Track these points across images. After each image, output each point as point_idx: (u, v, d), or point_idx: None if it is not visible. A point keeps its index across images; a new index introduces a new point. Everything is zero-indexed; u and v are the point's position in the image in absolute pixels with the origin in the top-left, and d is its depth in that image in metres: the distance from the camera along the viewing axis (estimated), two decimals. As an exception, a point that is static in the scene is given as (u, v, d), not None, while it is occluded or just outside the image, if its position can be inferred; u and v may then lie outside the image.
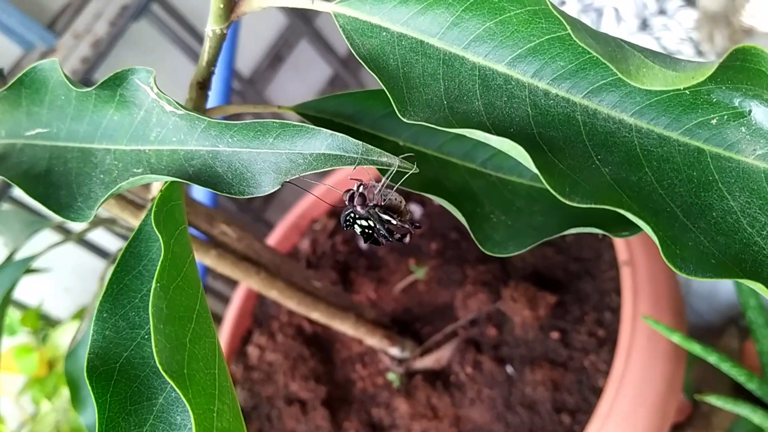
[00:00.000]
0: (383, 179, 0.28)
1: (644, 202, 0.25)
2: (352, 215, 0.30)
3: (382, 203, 0.29)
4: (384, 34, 0.28)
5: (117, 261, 0.28)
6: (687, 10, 0.78)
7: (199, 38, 1.12)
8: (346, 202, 0.30)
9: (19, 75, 0.33)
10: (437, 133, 0.39)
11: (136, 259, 0.29)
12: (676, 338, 0.58)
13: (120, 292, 0.28)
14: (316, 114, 0.38)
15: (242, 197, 0.27)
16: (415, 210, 0.87)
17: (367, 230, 0.30)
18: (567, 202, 0.23)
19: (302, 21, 1.21)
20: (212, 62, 0.34)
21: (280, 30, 1.27)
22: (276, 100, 1.28)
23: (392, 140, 0.38)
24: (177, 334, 0.25)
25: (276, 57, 1.26)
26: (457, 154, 0.39)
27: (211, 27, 0.33)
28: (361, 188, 0.29)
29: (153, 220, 0.26)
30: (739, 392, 0.73)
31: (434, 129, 0.35)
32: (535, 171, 0.23)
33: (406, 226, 0.30)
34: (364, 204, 0.29)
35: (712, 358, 0.60)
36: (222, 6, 0.31)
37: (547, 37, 0.26)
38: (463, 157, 0.39)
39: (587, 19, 0.80)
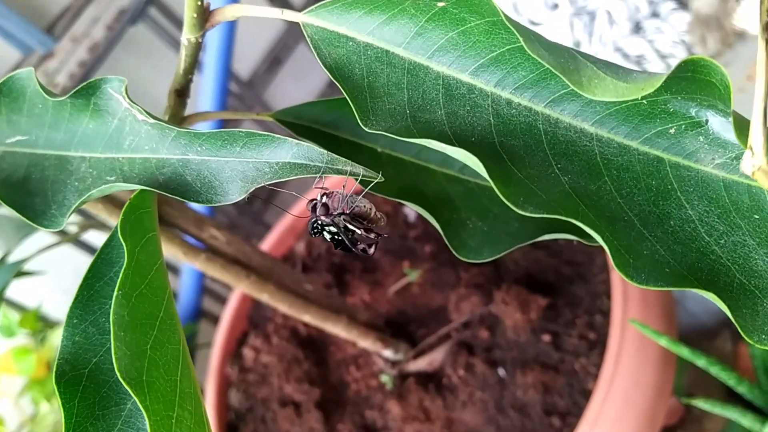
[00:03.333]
0: (346, 188, 0.29)
1: (602, 210, 0.25)
2: (319, 224, 0.30)
3: (348, 211, 0.30)
4: (350, 43, 0.29)
5: (88, 268, 0.29)
6: (680, 12, 0.78)
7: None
8: (310, 212, 0.30)
9: (-3, 85, 0.33)
10: (415, 139, 0.39)
11: (108, 266, 0.29)
12: (664, 342, 0.58)
13: (90, 299, 0.28)
14: (296, 121, 0.39)
15: (210, 205, 0.27)
16: (410, 213, 0.88)
17: (336, 237, 0.31)
18: (520, 212, 0.23)
19: (299, 24, 1.21)
20: (189, 70, 0.35)
21: (279, 34, 1.27)
22: (274, 103, 1.28)
23: (370, 147, 0.38)
24: (138, 341, 0.25)
25: (275, 60, 1.26)
26: (435, 161, 0.39)
27: (186, 36, 0.33)
28: (324, 198, 0.30)
29: (119, 228, 0.27)
30: (732, 396, 0.73)
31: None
32: (489, 180, 0.23)
33: (371, 236, 0.30)
34: (327, 213, 0.29)
35: (701, 362, 0.60)
36: (195, 16, 0.32)
37: (508, 47, 0.26)
38: (441, 163, 0.39)
39: (580, 23, 0.80)
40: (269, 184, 0.28)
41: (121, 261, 0.29)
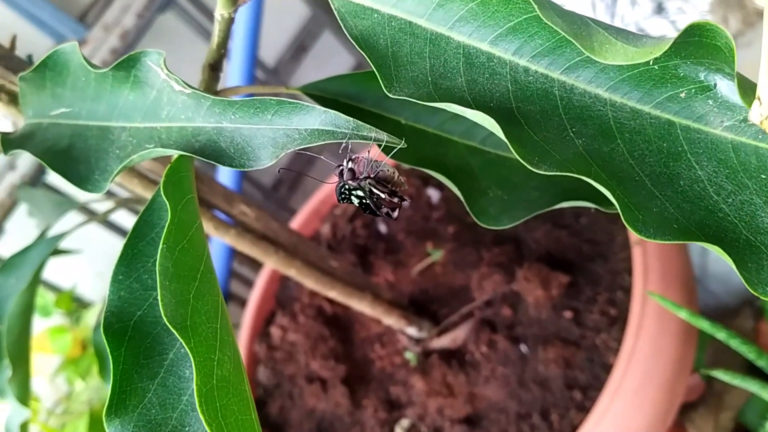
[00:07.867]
0: (371, 152, 0.30)
1: (614, 171, 0.26)
2: (346, 188, 0.32)
3: (373, 175, 0.31)
4: (375, 15, 0.30)
5: (132, 228, 0.31)
6: (702, -7, 0.79)
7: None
8: (337, 177, 0.32)
9: (43, 58, 0.35)
10: (438, 112, 0.40)
11: (149, 227, 0.31)
12: (684, 314, 0.59)
13: (134, 257, 0.30)
14: (322, 94, 0.40)
15: (243, 169, 0.29)
16: (433, 194, 0.89)
17: (364, 201, 0.32)
18: (534, 170, 0.25)
19: (324, 11, 1.23)
20: (222, 45, 0.37)
21: (304, 20, 1.29)
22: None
23: (394, 119, 0.40)
24: (181, 290, 0.27)
25: (300, 47, 1.28)
26: (456, 133, 0.41)
27: (219, 12, 0.35)
28: (350, 163, 0.31)
29: (162, 188, 0.29)
30: (753, 372, 0.73)
31: (434, 108, 0.36)
32: (505, 141, 0.25)
33: (394, 200, 0.32)
34: (354, 177, 0.31)
35: (721, 335, 0.61)
36: (228, -8, 0.33)
37: (525, 16, 0.28)
38: (463, 135, 0.41)
39: (602, 4, 0.81)
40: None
41: (161, 222, 0.31)
